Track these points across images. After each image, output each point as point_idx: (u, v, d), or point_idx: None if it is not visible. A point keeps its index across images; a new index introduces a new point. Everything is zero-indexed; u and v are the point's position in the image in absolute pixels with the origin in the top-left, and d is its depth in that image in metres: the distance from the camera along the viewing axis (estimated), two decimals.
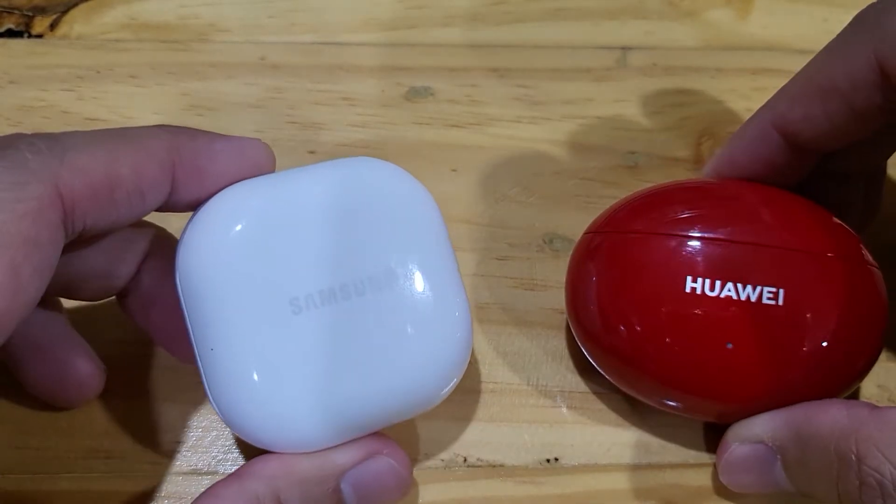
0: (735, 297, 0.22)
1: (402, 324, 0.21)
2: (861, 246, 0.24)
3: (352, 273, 0.21)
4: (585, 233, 0.26)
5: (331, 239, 0.21)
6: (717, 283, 0.23)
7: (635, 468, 0.25)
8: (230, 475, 0.20)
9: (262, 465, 0.20)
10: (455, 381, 0.22)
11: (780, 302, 0.22)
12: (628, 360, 0.24)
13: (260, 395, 0.20)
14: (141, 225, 0.23)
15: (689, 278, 0.23)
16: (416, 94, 0.33)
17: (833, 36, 0.25)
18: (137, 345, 0.26)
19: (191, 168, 0.20)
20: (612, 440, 0.26)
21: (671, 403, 0.24)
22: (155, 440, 0.25)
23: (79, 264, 0.22)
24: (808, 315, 0.22)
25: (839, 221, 0.24)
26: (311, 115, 0.32)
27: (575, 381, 0.27)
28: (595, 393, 0.27)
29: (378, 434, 0.22)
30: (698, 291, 0.23)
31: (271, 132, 0.32)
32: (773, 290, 0.22)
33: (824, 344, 0.22)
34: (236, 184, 0.21)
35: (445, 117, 0.33)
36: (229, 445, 0.25)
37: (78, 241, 0.21)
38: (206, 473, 0.25)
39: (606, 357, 0.24)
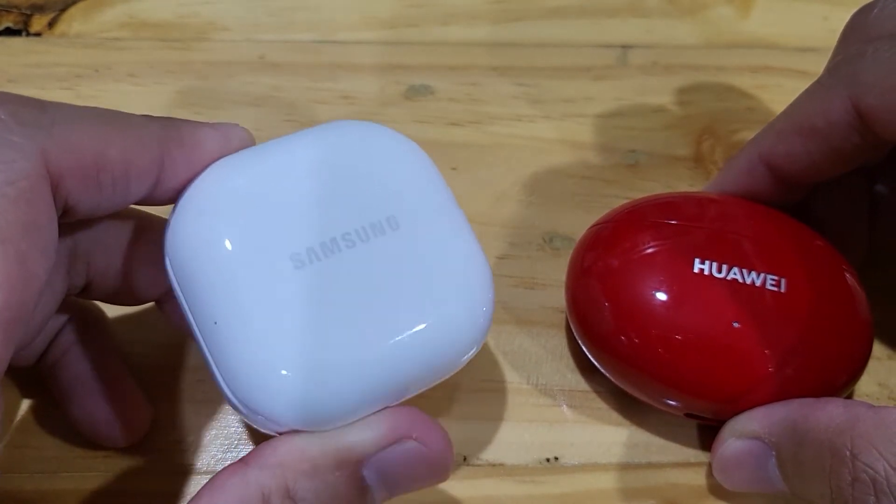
0: (741, 280, 0.23)
1: (415, 274, 0.19)
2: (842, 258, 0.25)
3: (354, 221, 0.19)
4: (590, 227, 0.26)
5: (322, 197, 0.20)
6: (724, 266, 0.23)
7: (636, 467, 0.25)
8: (235, 462, 0.18)
9: (271, 452, 0.18)
10: (482, 337, 0.20)
11: (783, 289, 0.23)
12: (635, 342, 0.24)
13: (268, 363, 0.18)
14: None
15: (696, 260, 0.24)
16: (415, 93, 0.33)
17: (834, 34, 0.25)
18: (135, 345, 0.26)
19: (179, 161, 0.20)
20: (613, 439, 0.26)
21: (672, 399, 0.24)
22: (154, 440, 0.25)
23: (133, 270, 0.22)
24: (808, 303, 0.23)
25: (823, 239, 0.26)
26: (310, 114, 0.32)
27: (575, 381, 0.27)
28: (595, 392, 0.27)
29: (408, 409, 0.19)
30: (706, 272, 0.23)
31: (270, 131, 0.31)
32: (776, 278, 0.23)
33: (824, 330, 0.23)
34: (218, 161, 0.20)
35: (445, 116, 0.33)
36: (228, 445, 0.25)
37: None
38: (206, 473, 0.24)
39: (613, 344, 0.24)
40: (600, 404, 0.26)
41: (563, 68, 0.34)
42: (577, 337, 0.26)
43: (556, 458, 0.25)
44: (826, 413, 0.21)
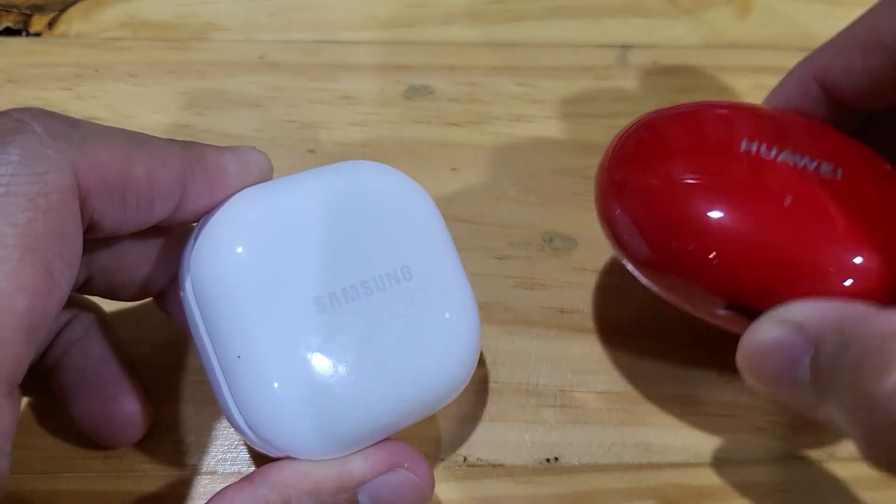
0: (793, 163, 0.22)
1: (419, 322, 0.21)
2: None
3: (372, 269, 0.21)
4: (629, 125, 0.25)
5: (342, 240, 0.21)
6: (774, 149, 0.22)
7: (635, 468, 0.25)
8: (242, 479, 0.20)
9: (277, 472, 0.20)
10: (467, 380, 0.22)
11: (839, 177, 0.22)
12: (682, 220, 0.22)
13: (288, 400, 0.19)
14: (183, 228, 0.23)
15: (744, 140, 0.22)
16: (415, 93, 0.33)
17: (834, 34, 0.25)
18: (135, 345, 0.26)
19: (201, 183, 0.20)
20: (612, 440, 0.26)
21: (711, 278, 0.22)
22: (154, 440, 0.25)
23: (122, 263, 0.22)
24: (868, 193, 0.22)
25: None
26: (310, 114, 0.32)
27: (575, 381, 0.27)
28: (595, 392, 0.27)
29: (400, 443, 0.21)
30: (753, 152, 0.22)
31: (270, 131, 0.32)
32: (832, 166, 0.22)
33: (885, 223, 0.22)
34: (242, 192, 0.21)
35: (445, 116, 0.33)
36: (229, 445, 0.25)
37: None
38: (206, 473, 0.24)
39: (657, 221, 0.22)
40: (600, 404, 0.26)
41: (563, 68, 0.34)
42: (603, 216, 0.24)
43: (556, 458, 0.25)
44: (886, 318, 0.18)
